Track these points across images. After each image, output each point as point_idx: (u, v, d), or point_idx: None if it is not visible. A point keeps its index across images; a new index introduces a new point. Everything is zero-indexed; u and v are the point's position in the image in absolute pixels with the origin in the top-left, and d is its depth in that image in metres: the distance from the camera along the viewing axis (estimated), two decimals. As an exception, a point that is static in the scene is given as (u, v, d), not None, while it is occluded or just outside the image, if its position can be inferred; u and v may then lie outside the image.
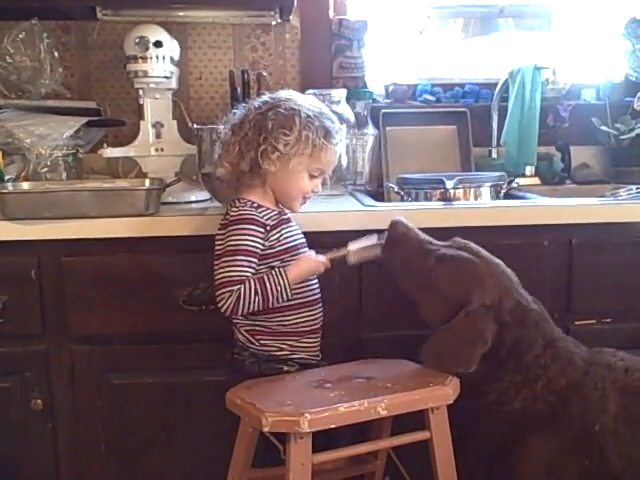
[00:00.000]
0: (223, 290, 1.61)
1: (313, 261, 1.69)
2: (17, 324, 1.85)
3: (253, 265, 1.64)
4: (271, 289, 1.62)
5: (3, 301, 1.84)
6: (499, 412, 1.64)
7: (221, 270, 1.62)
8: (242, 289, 1.61)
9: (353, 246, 1.72)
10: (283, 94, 1.72)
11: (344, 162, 2.24)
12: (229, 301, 1.61)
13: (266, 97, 1.71)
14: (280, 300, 1.64)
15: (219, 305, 1.62)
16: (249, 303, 1.61)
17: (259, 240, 1.65)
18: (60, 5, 2.23)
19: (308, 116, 1.66)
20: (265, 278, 1.62)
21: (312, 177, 1.71)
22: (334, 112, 2.21)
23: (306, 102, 1.70)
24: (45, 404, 1.89)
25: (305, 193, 1.71)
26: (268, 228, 1.67)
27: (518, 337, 1.65)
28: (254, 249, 1.64)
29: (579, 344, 1.72)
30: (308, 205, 1.76)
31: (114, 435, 1.92)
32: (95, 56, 2.51)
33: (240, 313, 1.63)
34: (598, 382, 1.64)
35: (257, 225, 1.66)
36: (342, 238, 1.78)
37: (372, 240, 1.74)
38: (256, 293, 1.61)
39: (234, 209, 1.67)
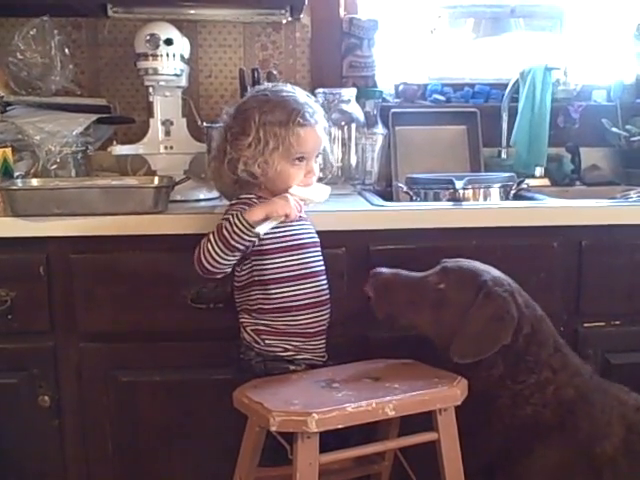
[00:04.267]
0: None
1: (276, 197, 1.64)
2: (25, 321, 1.86)
3: None
4: (225, 225, 1.58)
5: (11, 297, 1.84)
6: (510, 417, 1.64)
7: None
8: (203, 239, 1.61)
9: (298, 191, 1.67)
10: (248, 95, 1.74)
11: (353, 161, 2.26)
12: (195, 251, 1.61)
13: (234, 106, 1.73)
14: (237, 234, 1.57)
15: None
16: (206, 243, 1.59)
17: None
18: (71, 2, 2.23)
19: (264, 111, 1.64)
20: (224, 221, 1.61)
21: (299, 165, 1.67)
22: (344, 111, 2.25)
23: (267, 95, 1.68)
24: (52, 401, 1.89)
25: (298, 183, 1.68)
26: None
27: (535, 327, 1.66)
28: None
29: (583, 362, 1.74)
30: (317, 205, 1.75)
31: (121, 432, 1.92)
32: (105, 53, 2.52)
33: (205, 261, 1.59)
34: (606, 408, 1.66)
35: (250, 207, 1.65)
36: (351, 237, 1.78)
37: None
38: (212, 233, 1.59)
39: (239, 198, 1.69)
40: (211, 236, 1.60)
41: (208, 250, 1.59)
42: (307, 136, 1.65)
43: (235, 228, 1.57)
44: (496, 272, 1.70)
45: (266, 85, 1.79)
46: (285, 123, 1.63)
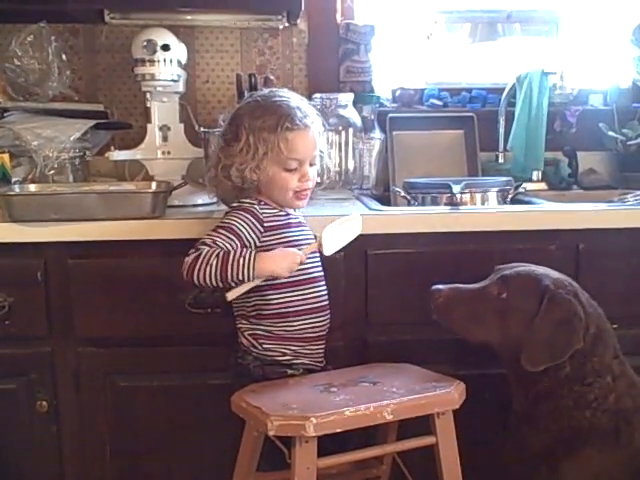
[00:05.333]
0: (191, 249, 1.59)
1: (289, 254, 1.61)
2: (23, 326, 1.86)
3: (231, 243, 1.60)
4: (232, 262, 1.55)
5: (9, 303, 1.84)
6: (568, 418, 1.64)
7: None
8: (205, 250, 1.57)
9: (327, 237, 1.63)
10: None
11: (350, 166, 2.26)
12: (190, 257, 1.57)
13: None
14: (238, 278, 1.56)
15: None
16: (206, 265, 1.55)
17: (247, 227, 1.63)
18: (68, 8, 2.23)
19: (255, 117, 1.64)
20: (232, 251, 1.57)
21: (292, 170, 1.66)
22: (341, 116, 2.25)
23: (258, 101, 1.68)
24: (50, 406, 1.89)
25: (293, 189, 1.67)
26: (265, 225, 1.66)
27: (600, 327, 1.66)
28: (238, 231, 1.62)
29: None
30: (314, 209, 1.76)
31: (119, 437, 1.92)
32: (103, 59, 2.52)
33: (195, 276, 1.56)
34: None
35: (250, 214, 1.65)
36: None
37: (345, 221, 1.69)
38: (217, 257, 1.55)
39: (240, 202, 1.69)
40: (214, 261, 1.55)
41: (205, 273, 1.56)
42: (296, 140, 1.64)
43: (240, 274, 1.56)
44: (554, 273, 1.70)
45: (262, 91, 1.79)
46: (274, 128, 1.62)
